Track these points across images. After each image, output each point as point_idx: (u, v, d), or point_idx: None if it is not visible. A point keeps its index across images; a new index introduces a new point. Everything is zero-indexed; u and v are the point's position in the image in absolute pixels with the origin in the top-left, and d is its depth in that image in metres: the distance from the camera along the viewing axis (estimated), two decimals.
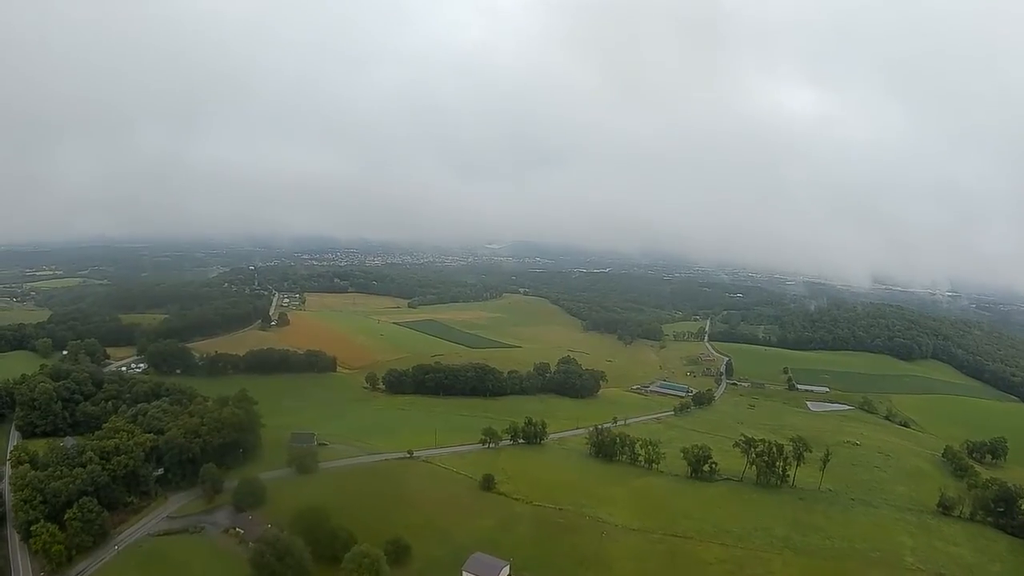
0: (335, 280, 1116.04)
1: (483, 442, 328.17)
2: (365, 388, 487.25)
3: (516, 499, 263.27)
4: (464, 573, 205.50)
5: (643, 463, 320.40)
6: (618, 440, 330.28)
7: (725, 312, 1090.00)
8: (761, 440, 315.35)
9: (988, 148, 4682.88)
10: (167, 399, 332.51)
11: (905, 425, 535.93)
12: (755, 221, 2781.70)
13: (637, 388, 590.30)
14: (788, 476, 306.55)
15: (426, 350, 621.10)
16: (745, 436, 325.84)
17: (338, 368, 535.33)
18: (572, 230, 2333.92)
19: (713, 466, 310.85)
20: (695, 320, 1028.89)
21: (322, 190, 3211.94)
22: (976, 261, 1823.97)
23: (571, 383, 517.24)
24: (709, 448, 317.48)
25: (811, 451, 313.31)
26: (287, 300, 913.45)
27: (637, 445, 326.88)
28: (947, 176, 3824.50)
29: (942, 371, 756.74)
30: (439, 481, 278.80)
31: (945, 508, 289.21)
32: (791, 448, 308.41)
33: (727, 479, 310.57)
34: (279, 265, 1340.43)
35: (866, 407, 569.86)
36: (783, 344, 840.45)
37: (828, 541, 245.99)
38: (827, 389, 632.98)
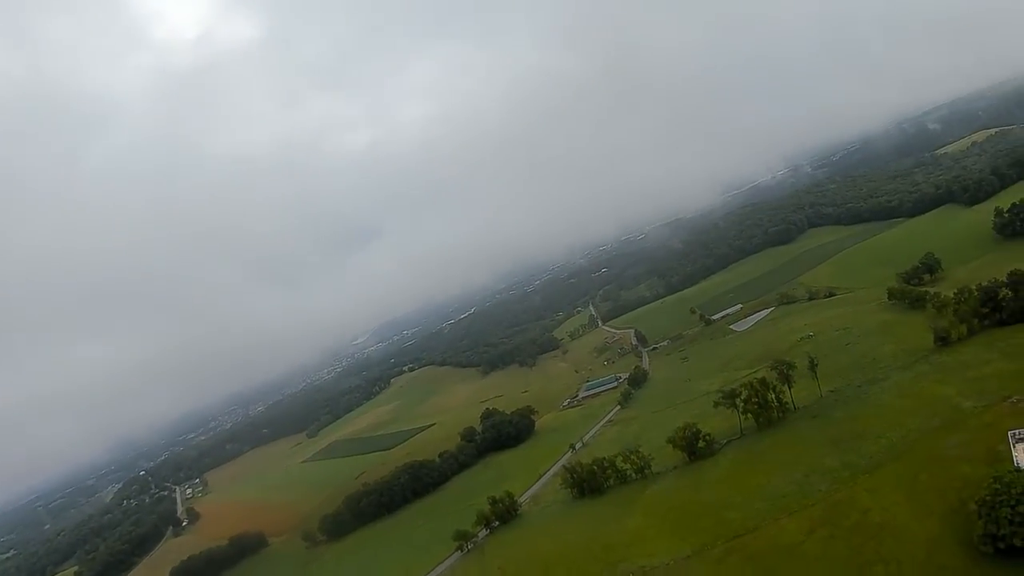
0: (226, 447, 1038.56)
1: (460, 548, 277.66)
2: (307, 548, 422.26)
3: None
4: None
5: (634, 475, 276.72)
6: (595, 468, 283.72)
7: (601, 291, 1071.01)
8: (741, 386, 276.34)
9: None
10: None
11: (832, 295, 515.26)
12: (579, 189, 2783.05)
13: (568, 403, 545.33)
14: (786, 403, 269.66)
15: (348, 475, 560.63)
16: (721, 392, 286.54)
17: (270, 540, 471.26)
18: (419, 288, 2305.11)
19: (707, 438, 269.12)
20: (578, 312, 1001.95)
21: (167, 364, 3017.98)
22: (797, 128, 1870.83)
23: (505, 433, 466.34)
24: (693, 423, 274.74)
25: (795, 367, 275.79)
26: (189, 490, 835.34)
27: (618, 460, 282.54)
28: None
29: (825, 234, 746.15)
30: None
31: (942, 340, 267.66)
32: (774, 375, 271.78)
33: (728, 442, 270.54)
34: (170, 457, 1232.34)
35: (786, 300, 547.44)
36: (672, 290, 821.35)
37: (883, 439, 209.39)
38: (739, 306, 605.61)
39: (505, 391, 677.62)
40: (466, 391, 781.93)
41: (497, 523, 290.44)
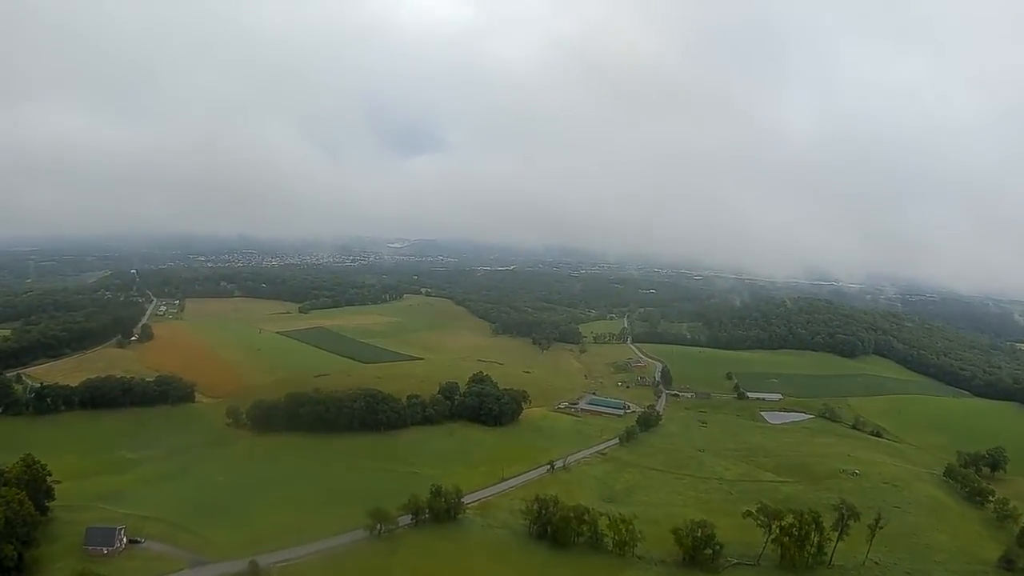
0: (221, 283, 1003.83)
1: (371, 528, 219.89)
2: (228, 425, 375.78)
3: None
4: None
5: (611, 546, 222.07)
6: (572, 516, 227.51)
7: (642, 309, 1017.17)
8: (788, 510, 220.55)
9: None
10: None
11: (877, 435, 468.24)
12: (664, 211, 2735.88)
13: (565, 406, 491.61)
14: (825, 552, 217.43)
15: (310, 367, 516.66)
16: (761, 503, 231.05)
17: (198, 397, 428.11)
18: (470, 223, 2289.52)
19: (717, 548, 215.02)
20: (611, 319, 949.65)
21: (181, 177, 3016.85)
22: (891, 251, 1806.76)
23: (487, 409, 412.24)
24: (712, 525, 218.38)
25: (858, 519, 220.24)
26: (163, 308, 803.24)
27: (602, 521, 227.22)
28: (868, 166, 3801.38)
29: (887, 367, 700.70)
30: None
31: (1009, 563, 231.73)
32: (835, 518, 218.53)
33: (738, 563, 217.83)
34: (169, 268, 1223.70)
35: (828, 415, 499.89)
36: (715, 344, 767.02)
37: None
38: (779, 396, 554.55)
39: (507, 361, 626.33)
40: (469, 341, 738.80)
41: (427, 516, 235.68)
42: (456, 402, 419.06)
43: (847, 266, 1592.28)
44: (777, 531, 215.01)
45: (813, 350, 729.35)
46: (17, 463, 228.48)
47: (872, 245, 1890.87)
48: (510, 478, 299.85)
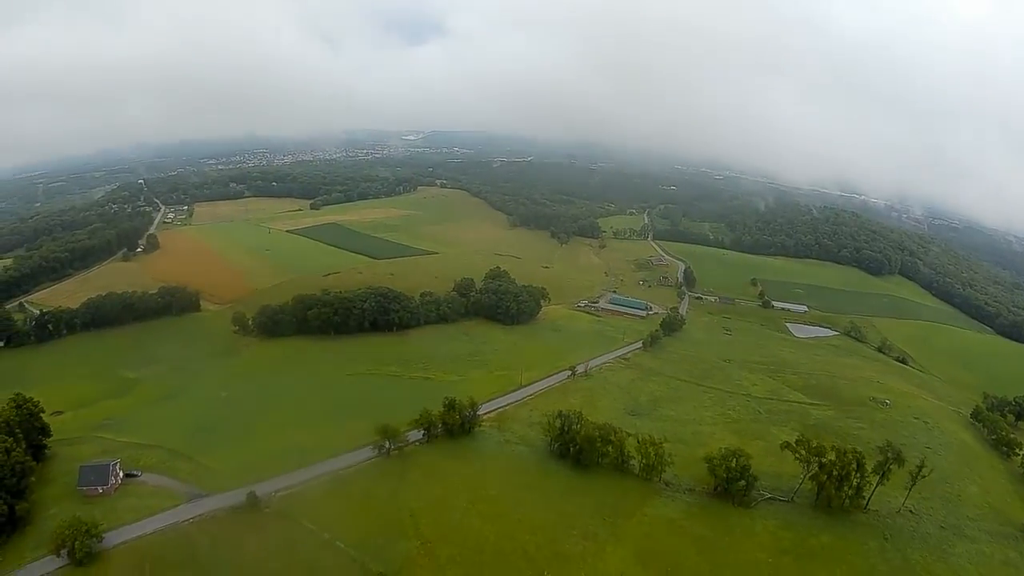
0: (230, 185, 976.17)
1: (379, 446, 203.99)
2: (234, 332, 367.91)
3: None
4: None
5: (638, 470, 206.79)
6: (598, 438, 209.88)
7: (662, 206, 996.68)
8: (831, 447, 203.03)
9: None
10: None
11: (903, 361, 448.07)
12: (687, 106, 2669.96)
13: (584, 305, 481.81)
14: (863, 495, 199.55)
15: (319, 267, 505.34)
16: (801, 437, 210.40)
17: (203, 305, 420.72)
18: (484, 114, 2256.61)
19: (750, 480, 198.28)
20: (631, 214, 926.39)
21: (179, 81, 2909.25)
22: (921, 170, 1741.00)
23: (504, 306, 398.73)
24: (747, 456, 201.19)
25: (902, 464, 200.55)
26: (171, 215, 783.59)
27: (629, 442, 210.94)
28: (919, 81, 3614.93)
29: (912, 291, 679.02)
30: None
31: None
32: (879, 460, 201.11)
33: (772, 499, 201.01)
34: (178, 175, 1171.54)
35: (854, 334, 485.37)
36: (738, 247, 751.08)
37: None
38: (805, 308, 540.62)
39: (525, 255, 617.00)
40: (486, 234, 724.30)
41: (440, 431, 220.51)
42: (472, 299, 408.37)
43: (875, 180, 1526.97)
44: (816, 468, 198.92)
45: (838, 263, 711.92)
46: (8, 403, 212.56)
47: (903, 160, 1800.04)
48: (528, 384, 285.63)
